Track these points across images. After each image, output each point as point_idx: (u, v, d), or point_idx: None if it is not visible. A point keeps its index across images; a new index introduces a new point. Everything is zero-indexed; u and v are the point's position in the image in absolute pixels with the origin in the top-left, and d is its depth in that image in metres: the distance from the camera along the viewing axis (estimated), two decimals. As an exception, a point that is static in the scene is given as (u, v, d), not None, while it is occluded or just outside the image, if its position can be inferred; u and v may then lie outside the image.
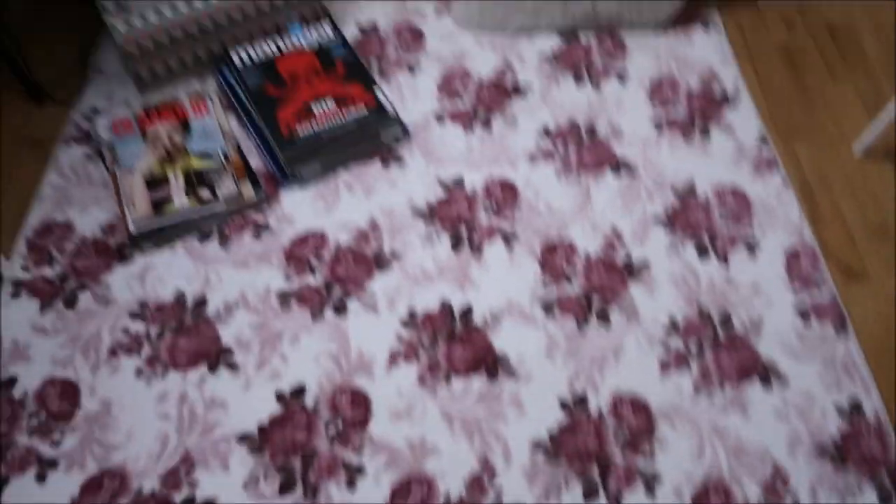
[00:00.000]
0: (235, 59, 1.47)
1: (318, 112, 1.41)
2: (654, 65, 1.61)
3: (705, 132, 1.51)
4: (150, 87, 1.49)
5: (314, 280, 1.27)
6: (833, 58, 1.66)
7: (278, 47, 1.50)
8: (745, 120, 1.54)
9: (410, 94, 1.53)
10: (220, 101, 1.46)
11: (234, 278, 1.27)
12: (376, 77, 1.55)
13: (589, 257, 1.32)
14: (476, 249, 1.32)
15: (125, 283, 1.25)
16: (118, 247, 1.29)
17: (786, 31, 1.70)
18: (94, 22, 1.53)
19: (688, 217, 1.39)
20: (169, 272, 1.27)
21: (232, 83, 1.46)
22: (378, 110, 1.43)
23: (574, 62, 1.60)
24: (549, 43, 1.63)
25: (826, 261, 1.35)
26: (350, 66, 1.48)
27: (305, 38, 1.52)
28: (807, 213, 1.41)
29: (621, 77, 1.59)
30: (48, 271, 1.26)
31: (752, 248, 1.35)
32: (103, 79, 1.52)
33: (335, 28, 1.54)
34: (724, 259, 1.34)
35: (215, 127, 1.40)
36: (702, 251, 1.35)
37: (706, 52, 1.64)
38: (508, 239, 1.34)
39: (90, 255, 1.28)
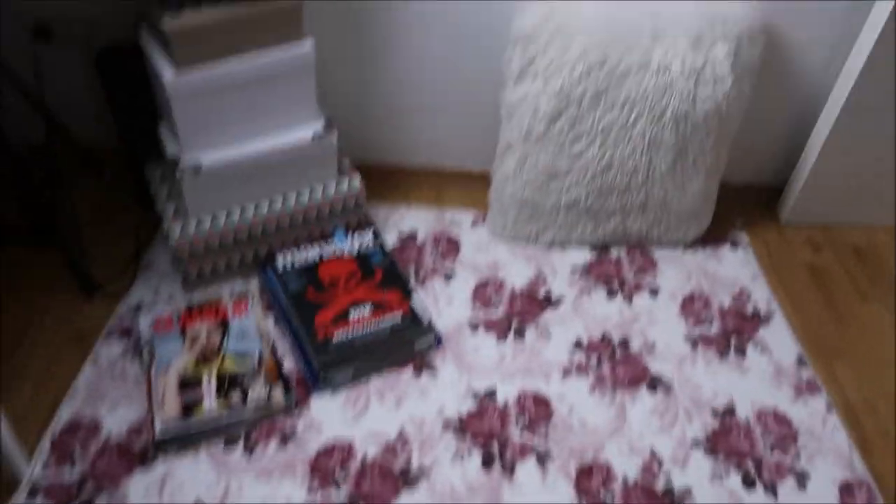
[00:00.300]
0: (279, 262, 1.54)
1: (355, 317, 1.44)
2: (684, 281, 1.65)
3: (741, 351, 1.50)
4: (196, 285, 1.54)
5: (337, 496, 1.21)
6: (861, 279, 1.68)
7: (321, 253, 1.57)
8: (780, 339, 1.53)
9: (445, 302, 1.57)
10: (261, 302, 1.50)
11: (255, 490, 1.22)
12: (413, 284, 1.60)
13: (626, 481, 1.26)
14: (507, 469, 1.27)
15: (144, 489, 1.21)
16: (142, 450, 1.26)
17: (811, 251, 1.75)
18: (152, 223, 1.63)
19: (729, 441, 1.33)
20: (190, 480, 1.22)
21: (274, 286, 1.51)
22: (413, 318, 1.45)
23: (606, 275, 1.64)
24: (582, 256, 1.69)
25: (881, 494, 1.26)
26: (388, 273, 1.54)
27: (348, 244, 1.60)
28: (855, 441, 1.35)
29: (653, 292, 1.61)
30: (67, 474, 1.22)
31: (801, 478, 1.28)
32: (153, 273, 1.59)
33: (376, 236, 1.62)
34: (772, 491, 1.26)
35: (253, 327, 1.43)
36: (747, 481, 1.27)
37: (735, 269, 1.68)
38: (542, 458, 1.29)
39: (112, 458, 1.25)
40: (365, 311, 1.45)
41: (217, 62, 1.32)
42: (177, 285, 1.56)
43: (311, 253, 1.57)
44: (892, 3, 1.42)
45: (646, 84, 1.45)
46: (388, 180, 1.85)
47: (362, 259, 1.57)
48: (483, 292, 1.59)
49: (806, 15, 1.54)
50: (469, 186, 1.84)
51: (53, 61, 1.62)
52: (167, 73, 1.29)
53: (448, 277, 1.62)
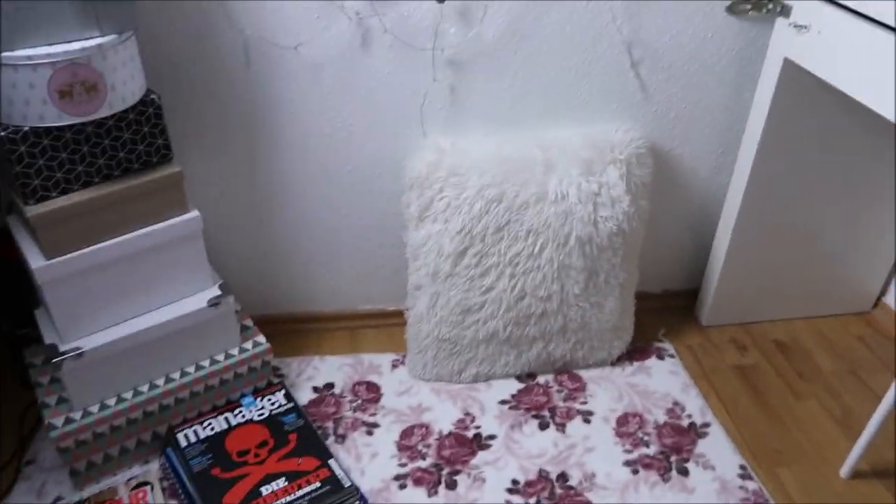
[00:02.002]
0: (182, 439, 1.40)
1: (268, 493, 1.31)
2: (616, 400, 1.59)
3: (682, 470, 1.43)
4: (87, 478, 1.38)
5: None
6: (790, 375, 1.67)
7: (228, 422, 1.45)
8: (720, 451, 1.47)
9: (369, 457, 1.45)
10: (162, 489, 1.35)
11: None
12: (332, 441, 1.48)
13: None
14: None
15: None
16: None
17: (737, 352, 1.74)
18: (34, 414, 1.48)
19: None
20: None
21: (176, 467, 1.37)
22: (333, 483, 1.33)
23: (535, 405, 1.57)
24: (508, 387, 1.62)
25: None
26: (303, 437, 1.42)
27: (257, 409, 1.48)
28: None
29: (586, 416, 1.55)
30: None
31: None
32: (36, 470, 1.42)
33: (288, 396, 1.51)
34: None
35: (153, 522, 1.27)
36: None
37: (665, 381, 1.64)
38: None
39: None
40: (279, 483, 1.32)
41: (92, 243, 1.23)
42: (66, 481, 1.39)
43: (216, 424, 1.45)
44: (766, 110, 1.49)
45: (546, 213, 1.45)
46: (298, 332, 1.76)
47: (274, 423, 1.45)
48: (409, 441, 1.49)
49: (686, 131, 1.60)
50: (386, 326, 1.77)
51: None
52: (35, 261, 1.20)
53: (370, 429, 1.52)
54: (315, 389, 1.61)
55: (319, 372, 1.66)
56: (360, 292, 1.76)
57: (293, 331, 1.75)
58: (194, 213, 1.33)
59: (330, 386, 1.62)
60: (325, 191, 1.59)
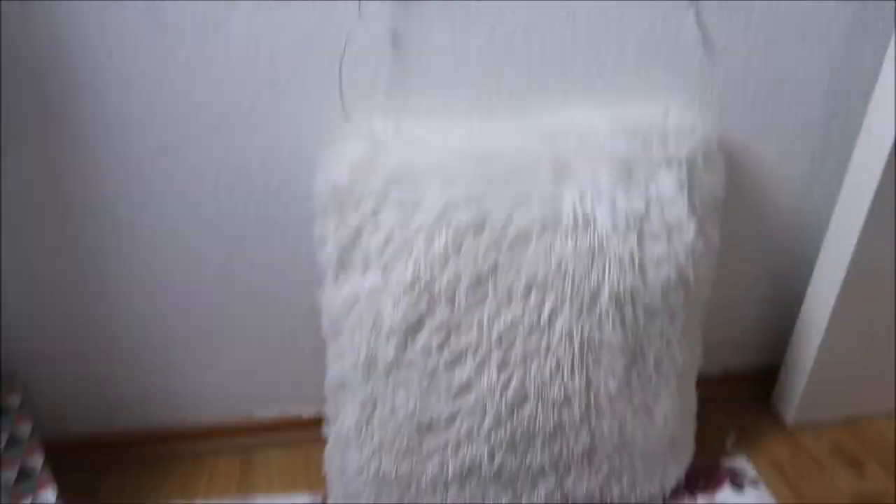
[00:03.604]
0: None
1: None
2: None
3: None
4: None
5: None
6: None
7: None
8: None
9: None
10: None
11: None
12: None
13: None
14: None
15: None
16: None
17: (849, 470, 1.12)
18: None
19: None
20: None
21: None
22: None
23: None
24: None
25: None
26: None
27: None
28: None
29: None
30: None
31: None
32: None
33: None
34: None
35: None
36: None
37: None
38: None
39: None
40: None
41: None
42: None
43: None
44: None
45: (559, 252, 0.83)
46: (155, 459, 1.09)
47: None
48: None
49: (769, 117, 1.01)
50: (298, 444, 1.12)
51: None
52: None
53: None
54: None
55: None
56: (255, 390, 1.10)
57: (148, 458, 1.08)
58: None
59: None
60: (186, 224, 0.95)
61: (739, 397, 1.24)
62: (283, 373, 1.08)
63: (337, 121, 0.91)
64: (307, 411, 1.11)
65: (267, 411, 1.12)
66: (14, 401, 0.94)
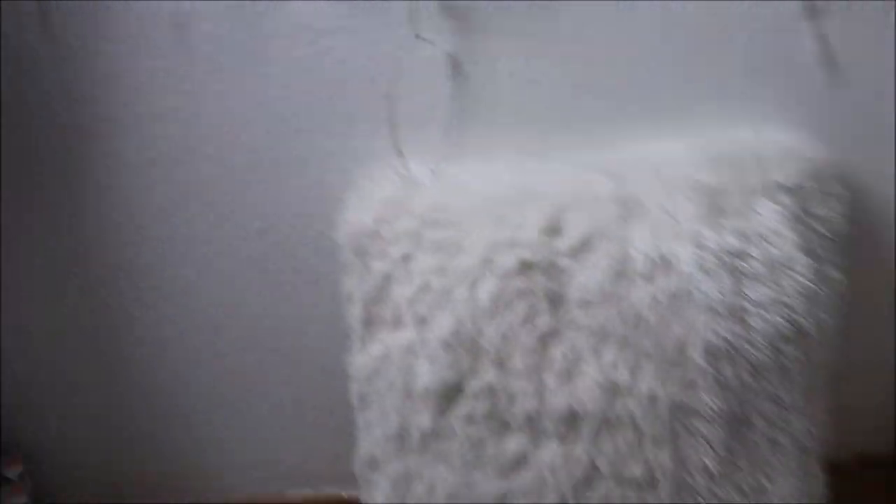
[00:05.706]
0: None
1: None
2: None
3: None
4: None
5: None
6: None
7: None
8: None
9: None
10: None
11: None
12: None
13: None
14: None
15: None
16: None
17: None
18: None
19: None
20: None
21: None
22: None
23: None
24: None
25: None
26: None
27: None
28: None
29: None
30: None
31: None
32: None
33: None
34: None
35: None
36: None
37: None
38: None
39: None
40: None
41: None
42: None
43: None
44: None
45: (633, 300, 0.68)
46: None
47: None
48: None
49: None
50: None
51: None
52: None
53: None
54: None
55: None
56: (287, 467, 0.98)
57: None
58: None
59: None
60: (211, 276, 0.87)
61: (870, 483, 1.00)
62: (318, 447, 0.95)
63: (387, 160, 0.82)
64: (345, 491, 0.97)
65: (300, 489, 1.00)
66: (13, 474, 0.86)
